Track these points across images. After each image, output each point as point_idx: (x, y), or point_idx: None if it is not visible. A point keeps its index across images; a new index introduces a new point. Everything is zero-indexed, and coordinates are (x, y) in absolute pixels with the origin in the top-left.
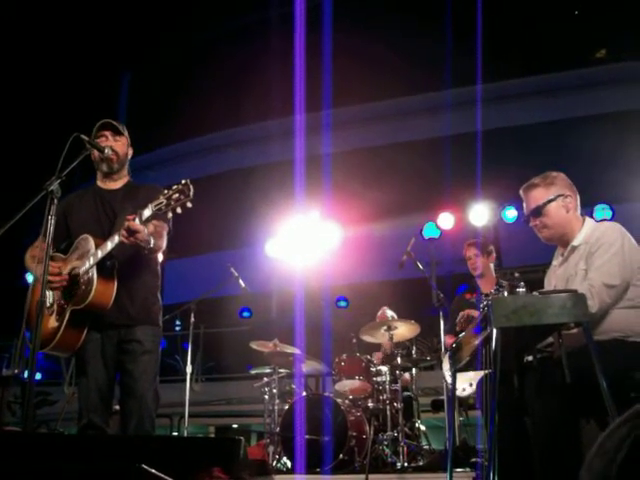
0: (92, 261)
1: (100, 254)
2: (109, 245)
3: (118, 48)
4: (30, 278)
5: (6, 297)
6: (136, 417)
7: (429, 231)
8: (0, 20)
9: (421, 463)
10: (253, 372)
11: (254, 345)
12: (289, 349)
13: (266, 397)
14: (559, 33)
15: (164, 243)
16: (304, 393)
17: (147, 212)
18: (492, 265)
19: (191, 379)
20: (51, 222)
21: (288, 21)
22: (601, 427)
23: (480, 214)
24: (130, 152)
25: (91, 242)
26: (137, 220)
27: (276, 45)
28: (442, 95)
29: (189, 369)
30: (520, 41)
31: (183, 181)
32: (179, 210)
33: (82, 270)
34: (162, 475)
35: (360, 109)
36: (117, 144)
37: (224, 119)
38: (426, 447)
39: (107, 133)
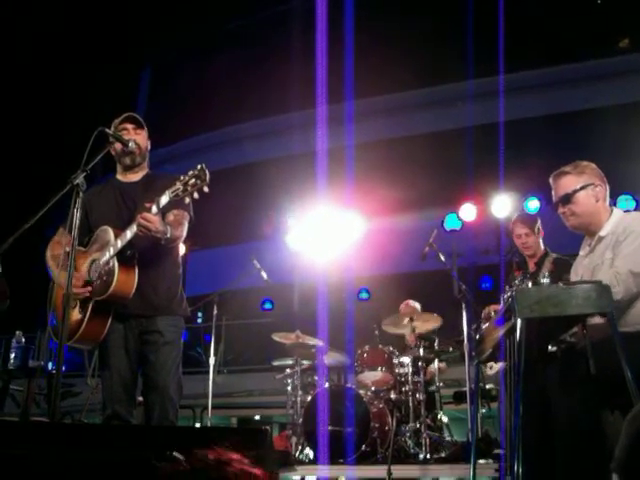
0: (112, 251)
1: (120, 244)
2: (128, 234)
3: (138, 43)
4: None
5: (29, 289)
6: (159, 408)
7: (451, 222)
8: (24, 17)
9: (443, 454)
10: (275, 364)
11: (276, 337)
12: (311, 341)
13: (288, 389)
14: (581, 23)
15: (184, 232)
16: (326, 384)
17: (164, 199)
18: (541, 242)
19: (213, 371)
20: (77, 215)
21: (309, 12)
22: (625, 417)
23: (502, 205)
24: (149, 145)
25: (110, 233)
26: (154, 207)
27: (297, 36)
28: (464, 85)
29: (212, 361)
30: (542, 31)
31: (199, 166)
32: (196, 195)
33: (102, 261)
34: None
35: (381, 100)
36: (139, 137)
37: (245, 111)
38: (448, 439)
39: (129, 126)
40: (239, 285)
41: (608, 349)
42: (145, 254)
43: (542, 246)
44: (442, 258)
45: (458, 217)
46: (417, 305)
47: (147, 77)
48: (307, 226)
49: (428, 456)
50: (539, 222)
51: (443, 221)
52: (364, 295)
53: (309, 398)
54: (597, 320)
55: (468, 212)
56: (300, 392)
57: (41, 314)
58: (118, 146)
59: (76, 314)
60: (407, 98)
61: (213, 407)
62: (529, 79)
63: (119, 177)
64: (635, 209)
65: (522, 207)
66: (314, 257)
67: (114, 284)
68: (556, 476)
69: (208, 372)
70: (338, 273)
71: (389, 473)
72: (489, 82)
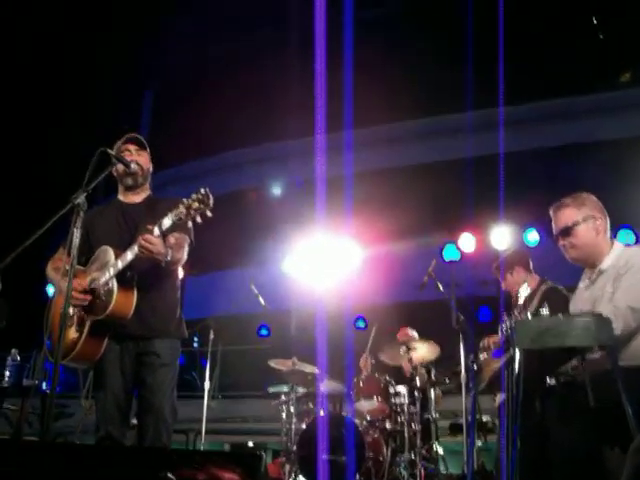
0: (112, 272)
1: (120, 264)
2: (129, 255)
3: (140, 67)
4: (51, 290)
5: (27, 309)
6: (152, 430)
7: (449, 253)
8: (25, 40)
9: None
10: (270, 390)
11: (273, 363)
12: (307, 368)
13: (283, 415)
14: (583, 56)
15: (184, 255)
16: (321, 412)
17: (167, 221)
18: (528, 275)
19: (208, 396)
20: (76, 234)
21: (309, 39)
22: (624, 451)
23: (501, 237)
24: (151, 166)
25: (111, 253)
26: (156, 229)
27: (296, 64)
28: (463, 117)
29: (207, 385)
30: (544, 64)
31: (202, 190)
32: (199, 219)
33: (102, 281)
34: None
35: (381, 130)
36: (141, 158)
37: (245, 137)
38: (444, 471)
39: (131, 147)
40: (236, 310)
41: (607, 382)
42: (145, 276)
43: (532, 280)
44: (441, 288)
45: (457, 247)
46: (414, 333)
47: (149, 101)
48: (305, 253)
49: None
50: (517, 260)
51: (442, 251)
52: (361, 324)
53: (304, 425)
54: (596, 355)
55: (467, 242)
56: (295, 419)
57: (37, 333)
58: (120, 167)
59: (73, 333)
60: (406, 128)
61: (206, 432)
62: (529, 111)
63: (121, 198)
64: (635, 243)
65: (521, 239)
66: (311, 284)
67: (112, 304)
68: None
69: (202, 397)
70: (335, 301)
71: None
72: (489, 114)
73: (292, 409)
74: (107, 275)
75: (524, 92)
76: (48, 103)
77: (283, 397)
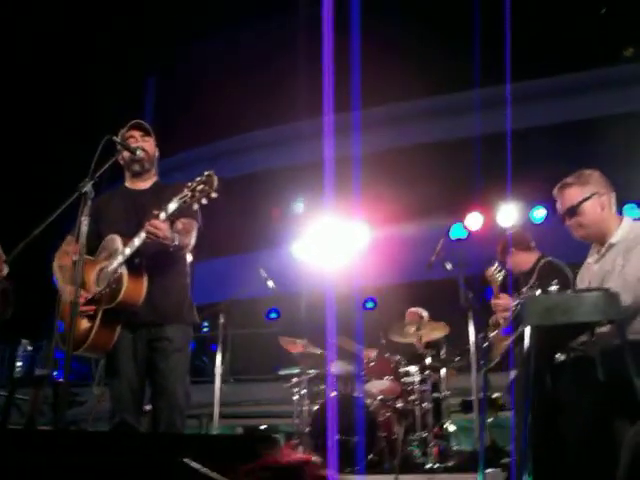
0: (121, 259)
1: (128, 251)
2: (136, 242)
3: (144, 52)
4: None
5: (36, 297)
6: (166, 414)
7: (456, 232)
8: (27, 27)
9: (450, 464)
10: (282, 373)
11: (282, 341)
12: (318, 350)
13: (295, 398)
14: (586, 32)
15: (192, 240)
16: (333, 394)
17: (172, 205)
18: (528, 254)
19: (220, 380)
20: (84, 223)
21: (316, 20)
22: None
23: (508, 214)
24: (157, 152)
25: (118, 241)
26: (162, 214)
27: (304, 46)
28: (471, 95)
29: (219, 370)
30: (548, 40)
31: (206, 172)
32: (204, 201)
33: (111, 269)
34: (204, 469)
35: (388, 109)
36: (146, 144)
37: (252, 121)
38: (455, 448)
39: (136, 134)
40: (245, 294)
41: (616, 357)
42: (154, 262)
43: (531, 257)
44: (448, 267)
45: (464, 226)
46: (424, 313)
47: (153, 86)
48: (314, 235)
49: (435, 465)
50: (514, 242)
51: (449, 230)
52: (370, 305)
53: (316, 407)
54: (605, 329)
55: (474, 221)
56: (307, 401)
57: (47, 322)
58: (126, 154)
59: (85, 323)
60: (414, 107)
61: (219, 416)
62: (535, 88)
63: (128, 185)
64: None
65: (528, 216)
66: (320, 266)
67: (123, 292)
68: None
69: (214, 381)
70: (344, 282)
71: None
72: (496, 91)
73: (304, 391)
74: (115, 263)
75: (529, 69)
76: (48, 92)
77: (294, 379)
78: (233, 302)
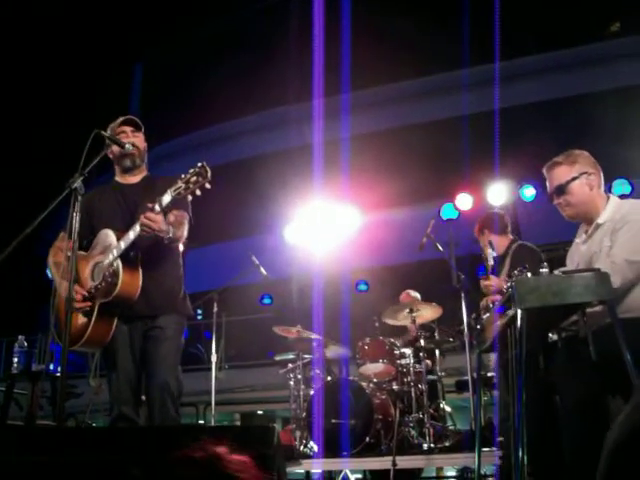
0: (116, 253)
1: (123, 245)
2: (131, 235)
3: (129, 39)
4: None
5: (30, 292)
6: (159, 402)
7: (447, 212)
8: (13, 15)
9: (447, 444)
10: (277, 358)
11: (277, 330)
12: (312, 335)
13: (291, 383)
14: (572, 8)
15: (185, 232)
16: (329, 378)
17: (166, 198)
18: (502, 236)
19: (215, 367)
20: (76, 219)
21: (305, 4)
22: (627, 403)
23: (498, 193)
24: (146, 146)
25: (112, 235)
26: (157, 207)
27: (292, 30)
28: (458, 74)
29: (214, 357)
30: (534, 17)
31: (199, 164)
32: (198, 192)
33: (106, 263)
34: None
35: (376, 91)
36: (136, 139)
37: (240, 106)
38: (451, 428)
39: (127, 129)
40: (238, 281)
41: (608, 336)
42: (148, 255)
43: (503, 240)
44: (440, 248)
45: (455, 207)
46: (417, 295)
47: (139, 74)
48: (304, 220)
49: (432, 445)
50: (485, 223)
51: (439, 211)
52: (362, 287)
53: (312, 392)
54: (596, 309)
55: (464, 202)
56: (303, 386)
57: (41, 316)
58: (116, 149)
59: (81, 318)
60: (401, 88)
61: (216, 403)
62: (522, 66)
63: (118, 179)
64: (630, 194)
65: (518, 195)
66: (312, 251)
67: (119, 286)
68: (564, 461)
69: (210, 369)
70: (336, 266)
71: (394, 464)
72: (483, 70)
73: (299, 376)
74: (111, 257)
75: (515, 47)
76: (33, 80)
77: (290, 365)
78: (226, 289)
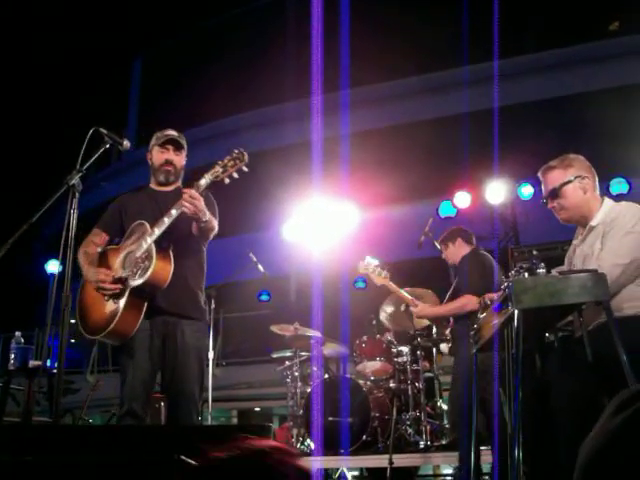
0: (149, 240)
1: (157, 231)
2: (166, 221)
3: (128, 35)
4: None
5: (27, 288)
6: (185, 411)
7: (445, 209)
8: (13, 13)
9: (444, 442)
10: (274, 356)
11: (275, 329)
12: (310, 332)
13: (288, 380)
14: (572, 6)
15: (216, 226)
16: (326, 375)
17: (204, 181)
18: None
19: (212, 364)
20: (74, 216)
21: (303, 0)
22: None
23: (496, 192)
24: (184, 163)
25: (146, 225)
26: (194, 189)
27: (290, 26)
28: (457, 72)
29: (211, 354)
30: (534, 15)
31: (236, 149)
32: (236, 175)
33: (140, 250)
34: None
35: (375, 88)
36: (177, 158)
37: (239, 102)
38: (448, 426)
39: (169, 147)
40: (236, 278)
41: (604, 337)
42: (177, 251)
43: (462, 251)
44: (438, 246)
45: (452, 204)
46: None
47: (138, 71)
48: (302, 217)
49: (429, 444)
50: (449, 233)
51: (438, 209)
52: (360, 284)
53: (309, 389)
54: (592, 309)
55: (462, 199)
56: (300, 383)
57: (38, 312)
58: (156, 161)
59: (110, 305)
60: (400, 86)
61: (213, 400)
62: (521, 64)
63: (152, 186)
64: (628, 192)
65: (516, 193)
66: (310, 248)
67: (152, 268)
68: (559, 461)
69: (207, 365)
70: (334, 263)
71: (390, 462)
72: (482, 68)
73: (296, 373)
74: (144, 244)
75: (514, 45)
76: (32, 78)
77: (287, 362)
78: (224, 285)
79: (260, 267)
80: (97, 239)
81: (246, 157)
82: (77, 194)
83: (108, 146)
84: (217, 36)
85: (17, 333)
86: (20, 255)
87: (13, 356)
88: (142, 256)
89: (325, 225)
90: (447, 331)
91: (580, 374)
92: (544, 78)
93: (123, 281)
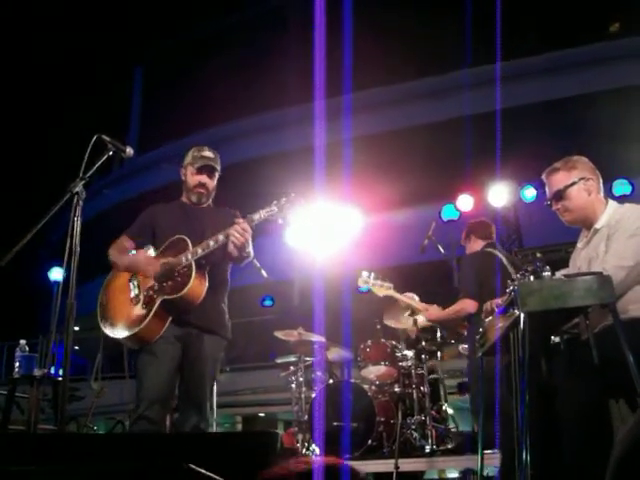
0: (191, 257)
1: (200, 252)
2: (211, 244)
3: (130, 42)
4: (56, 275)
5: (30, 296)
6: (194, 422)
7: (448, 212)
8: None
9: (450, 446)
10: (279, 361)
11: (279, 335)
12: (314, 337)
13: (293, 386)
14: (573, 8)
15: (252, 255)
16: (331, 380)
17: (258, 216)
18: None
19: None
20: (77, 224)
21: (306, 4)
22: (630, 406)
23: (499, 194)
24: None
25: (188, 241)
26: (246, 223)
27: (291, 31)
28: (459, 75)
29: None
30: (535, 18)
31: (292, 193)
32: (288, 218)
33: (183, 262)
34: (209, 474)
35: (377, 92)
36: (210, 181)
37: (241, 107)
38: (454, 430)
39: (205, 173)
40: (238, 283)
41: (610, 339)
42: (213, 271)
43: (476, 247)
44: (441, 250)
45: (455, 208)
46: (415, 297)
47: (139, 77)
48: (305, 222)
49: (435, 447)
50: (465, 231)
51: (441, 212)
52: (363, 288)
53: (313, 394)
54: (598, 312)
55: (465, 203)
56: (304, 388)
57: (42, 319)
58: (190, 181)
59: (139, 310)
60: (403, 89)
61: (217, 406)
62: (523, 67)
63: (185, 201)
64: (631, 194)
65: (518, 195)
66: (313, 253)
67: (188, 287)
68: (565, 464)
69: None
70: (337, 268)
71: (396, 466)
72: (484, 71)
73: (301, 379)
74: (184, 260)
75: (517, 47)
76: (34, 85)
77: (291, 367)
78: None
79: (263, 272)
80: (127, 244)
81: (303, 201)
82: (81, 202)
83: (111, 153)
84: (219, 42)
85: (22, 341)
86: (23, 263)
87: (18, 364)
88: (180, 270)
89: (328, 229)
90: (464, 332)
91: (586, 377)
92: (545, 80)
93: (158, 290)
